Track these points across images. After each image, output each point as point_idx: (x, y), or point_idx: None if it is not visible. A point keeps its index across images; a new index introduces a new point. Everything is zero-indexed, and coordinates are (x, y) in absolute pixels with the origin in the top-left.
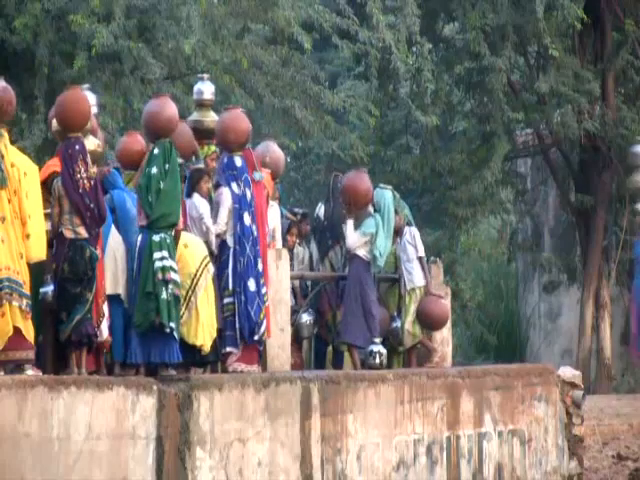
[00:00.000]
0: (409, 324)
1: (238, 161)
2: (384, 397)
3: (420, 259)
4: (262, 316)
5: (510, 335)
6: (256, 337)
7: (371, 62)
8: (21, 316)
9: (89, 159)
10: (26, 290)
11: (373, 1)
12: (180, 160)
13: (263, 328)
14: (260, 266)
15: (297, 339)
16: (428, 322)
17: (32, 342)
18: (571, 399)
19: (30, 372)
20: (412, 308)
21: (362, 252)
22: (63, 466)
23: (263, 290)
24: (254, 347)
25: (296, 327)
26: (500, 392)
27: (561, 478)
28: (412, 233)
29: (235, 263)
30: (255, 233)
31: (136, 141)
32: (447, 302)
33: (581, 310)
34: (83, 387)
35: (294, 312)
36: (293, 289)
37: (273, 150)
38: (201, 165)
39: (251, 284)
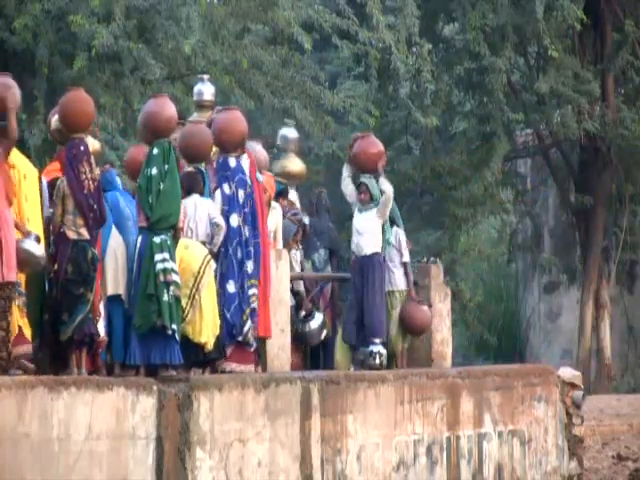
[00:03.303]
0: (394, 330)
1: (232, 162)
2: (384, 397)
3: (405, 265)
4: (245, 317)
5: (510, 335)
6: (240, 338)
7: (371, 62)
8: (20, 314)
9: (93, 160)
10: (22, 289)
11: (373, 1)
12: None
13: (246, 329)
14: (250, 267)
15: (301, 343)
16: (409, 328)
17: (29, 338)
18: (571, 399)
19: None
20: (394, 314)
21: (378, 248)
22: (63, 466)
23: (250, 292)
24: (244, 347)
25: (304, 335)
26: (500, 392)
27: (561, 478)
28: (397, 236)
29: (220, 264)
30: (247, 234)
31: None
32: (427, 308)
33: (581, 310)
34: (83, 387)
35: (306, 317)
36: (299, 292)
37: (256, 150)
38: (191, 168)
39: (230, 286)
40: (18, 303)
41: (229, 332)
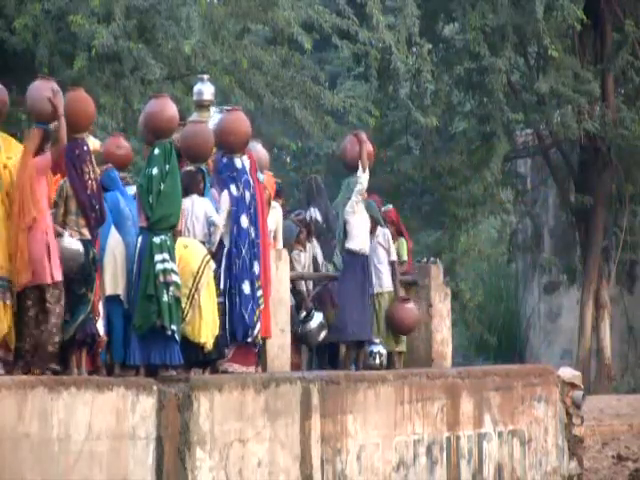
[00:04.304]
0: (383, 331)
1: (238, 163)
2: (384, 398)
3: (392, 263)
4: (256, 318)
5: (510, 335)
6: (249, 339)
7: (371, 62)
8: (12, 317)
9: (94, 160)
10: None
11: (373, 1)
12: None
13: (257, 330)
14: (256, 268)
15: (304, 343)
16: (395, 327)
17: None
18: (571, 399)
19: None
20: (381, 315)
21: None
22: (63, 466)
23: (259, 293)
24: (248, 348)
25: (305, 335)
26: (500, 392)
27: (561, 478)
28: (386, 236)
29: (230, 265)
30: (253, 235)
31: (116, 144)
32: (414, 306)
33: (581, 310)
34: (83, 387)
35: (306, 317)
36: (300, 292)
37: (257, 150)
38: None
39: (245, 287)
40: (13, 304)
41: (245, 333)
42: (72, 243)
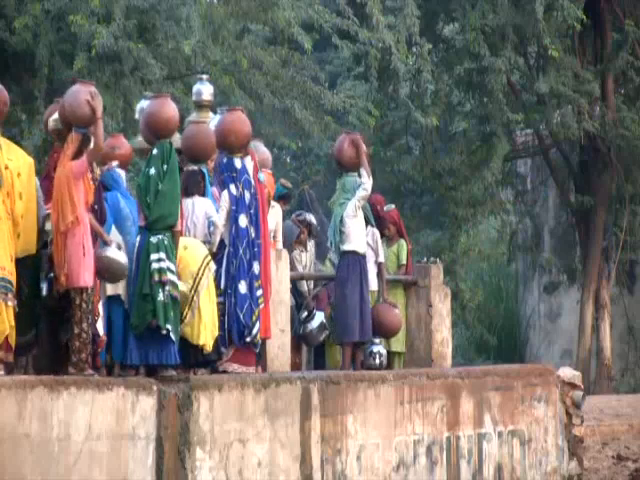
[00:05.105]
0: None
1: (238, 163)
2: (384, 397)
3: (379, 265)
4: (254, 318)
5: (510, 335)
6: (248, 339)
7: (371, 62)
8: (13, 317)
9: None
10: (14, 290)
11: (373, 1)
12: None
13: (255, 330)
14: (256, 268)
15: (305, 344)
16: (378, 329)
17: (14, 344)
18: (571, 399)
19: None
20: None
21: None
22: (63, 466)
23: (258, 292)
24: (248, 348)
25: (306, 335)
26: (500, 392)
27: (561, 478)
28: (374, 236)
29: (228, 264)
30: (253, 235)
31: (113, 145)
32: (398, 312)
33: (581, 310)
34: (83, 387)
35: (307, 317)
36: (302, 292)
37: (260, 150)
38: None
39: (242, 286)
40: (14, 305)
41: (240, 333)
42: (117, 255)
